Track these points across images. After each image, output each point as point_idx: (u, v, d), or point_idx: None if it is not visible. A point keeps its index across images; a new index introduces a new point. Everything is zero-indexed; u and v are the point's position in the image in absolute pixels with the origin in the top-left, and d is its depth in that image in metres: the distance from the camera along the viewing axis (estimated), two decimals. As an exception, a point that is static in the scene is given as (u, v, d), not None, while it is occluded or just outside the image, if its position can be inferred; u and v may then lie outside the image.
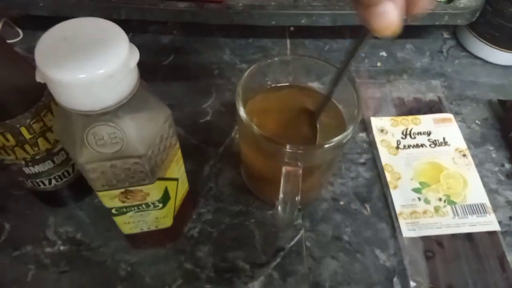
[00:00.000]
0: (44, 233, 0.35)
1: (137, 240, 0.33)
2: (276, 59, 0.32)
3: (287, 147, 0.28)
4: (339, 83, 0.28)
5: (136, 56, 0.20)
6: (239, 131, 0.34)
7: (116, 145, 0.22)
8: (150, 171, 0.24)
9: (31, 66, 0.27)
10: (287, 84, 0.35)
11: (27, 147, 0.29)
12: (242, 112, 0.29)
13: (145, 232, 0.31)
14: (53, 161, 0.31)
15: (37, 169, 0.31)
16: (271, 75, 0.34)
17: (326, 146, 0.29)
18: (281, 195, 0.28)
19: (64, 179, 0.33)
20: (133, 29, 0.50)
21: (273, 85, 0.35)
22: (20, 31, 0.50)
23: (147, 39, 0.50)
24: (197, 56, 0.49)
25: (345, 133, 0.28)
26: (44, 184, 0.33)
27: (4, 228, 0.36)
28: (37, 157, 0.30)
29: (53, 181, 0.33)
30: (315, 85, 0.35)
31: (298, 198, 0.28)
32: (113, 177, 0.24)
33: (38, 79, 0.19)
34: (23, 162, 0.30)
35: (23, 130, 0.27)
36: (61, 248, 0.35)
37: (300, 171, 0.29)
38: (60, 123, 0.23)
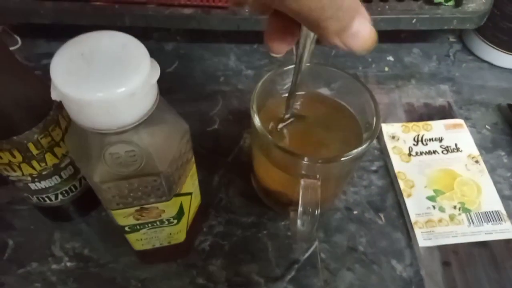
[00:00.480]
0: (50, 250, 0.34)
1: (148, 255, 0.32)
2: (290, 67, 0.31)
3: (305, 160, 0.27)
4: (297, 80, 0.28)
5: (157, 71, 0.19)
6: (252, 140, 0.33)
7: (135, 164, 0.21)
8: (168, 188, 0.23)
9: (38, 79, 0.26)
10: (301, 92, 0.34)
11: (34, 163, 0.28)
12: (257, 121, 0.29)
13: (157, 248, 0.30)
14: (60, 176, 0.30)
15: (43, 184, 0.30)
16: (284, 83, 0.33)
17: (345, 158, 0.28)
18: (300, 209, 0.27)
19: (71, 194, 0.32)
20: (135, 36, 0.48)
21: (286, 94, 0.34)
22: (18, 39, 0.48)
23: (150, 46, 0.48)
24: (202, 63, 0.48)
25: (364, 146, 0.28)
26: (51, 200, 0.31)
27: (7, 245, 0.34)
28: (44, 172, 0.29)
29: (60, 196, 0.32)
30: (324, 91, 0.34)
31: (318, 211, 0.27)
32: (129, 195, 0.23)
33: (54, 97, 0.18)
34: (29, 178, 0.29)
35: (31, 146, 0.26)
36: (68, 264, 0.33)
37: (319, 183, 0.28)
38: (73, 140, 0.22)
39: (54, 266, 0.33)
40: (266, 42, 0.22)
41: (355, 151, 0.28)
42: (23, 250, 0.34)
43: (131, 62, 0.18)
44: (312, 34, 0.22)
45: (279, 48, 0.22)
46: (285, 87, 0.33)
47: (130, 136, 0.20)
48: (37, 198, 0.31)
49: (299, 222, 0.28)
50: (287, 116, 0.31)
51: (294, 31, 0.21)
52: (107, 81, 0.17)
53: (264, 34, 0.22)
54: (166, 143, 0.22)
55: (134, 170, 0.21)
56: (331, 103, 0.34)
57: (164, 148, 0.22)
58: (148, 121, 0.20)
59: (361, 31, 0.19)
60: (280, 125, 0.32)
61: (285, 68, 0.31)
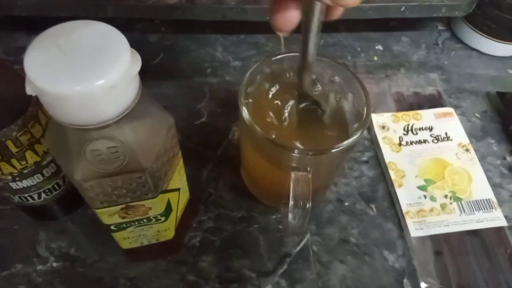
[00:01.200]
0: (35, 250, 0.33)
1: (136, 253, 0.31)
2: (278, 56, 0.31)
3: (296, 152, 0.27)
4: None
5: (138, 62, 0.18)
6: (241, 133, 0.32)
7: (118, 161, 0.20)
8: (154, 185, 0.22)
9: (15, 73, 0.25)
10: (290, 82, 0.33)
11: (14, 161, 0.26)
12: (245, 113, 0.28)
13: (145, 246, 0.30)
14: (42, 174, 0.29)
15: (25, 183, 0.29)
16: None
17: (335, 150, 0.27)
18: (291, 202, 0.27)
19: (55, 192, 0.31)
20: (118, 27, 0.47)
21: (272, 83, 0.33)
22: (-5, 32, 0.46)
23: (134, 37, 0.47)
24: (187, 54, 0.47)
25: (355, 136, 0.27)
26: (33, 199, 0.30)
27: (-10, 247, 0.33)
28: (25, 171, 0.28)
29: (43, 195, 0.30)
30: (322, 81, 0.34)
31: (309, 204, 0.27)
32: (113, 193, 0.22)
33: (29, 91, 0.17)
34: (9, 178, 0.28)
35: (10, 144, 0.25)
36: (54, 265, 0.32)
37: (310, 176, 0.27)
38: (52, 136, 0.21)
39: (39, 267, 0.32)
40: (270, 19, 0.22)
41: (346, 142, 0.27)
42: (6, 251, 0.33)
43: (110, 53, 0.17)
44: (316, 4, 0.21)
45: (283, 23, 0.21)
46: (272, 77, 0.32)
47: (112, 132, 0.19)
48: (19, 197, 0.30)
49: (290, 215, 0.27)
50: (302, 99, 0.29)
51: (294, 3, 0.21)
52: (85, 73, 0.16)
53: (268, 10, 0.22)
54: (150, 138, 0.21)
55: (117, 167, 0.20)
56: (321, 95, 0.33)
57: (148, 143, 0.21)
58: (130, 115, 0.19)
59: None
60: (289, 107, 0.30)
61: (273, 58, 0.30)
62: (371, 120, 0.41)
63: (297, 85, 0.28)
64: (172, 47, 0.47)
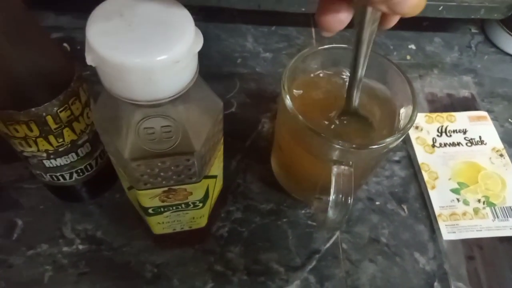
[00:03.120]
0: (60, 231, 0.33)
1: (165, 240, 0.31)
2: (321, 47, 0.30)
3: (339, 144, 0.26)
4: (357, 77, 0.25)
5: (200, 40, 0.18)
6: (278, 122, 0.32)
7: (170, 141, 0.19)
8: (199, 169, 0.22)
9: (60, 48, 0.24)
10: (332, 73, 0.32)
11: (51, 138, 0.26)
12: (288, 101, 0.27)
13: (174, 233, 0.29)
14: (77, 154, 0.28)
15: (59, 162, 0.28)
16: (316, 65, 0.31)
17: (378, 146, 0.26)
18: (332, 197, 0.26)
19: (86, 173, 0.30)
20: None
21: (317, 75, 0.32)
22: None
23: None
24: (218, 44, 0.46)
25: (400, 134, 0.26)
26: (64, 179, 0.30)
27: (16, 225, 0.33)
28: (60, 149, 0.27)
29: (75, 175, 0.30)
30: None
31: (351, 200, 0.26)
32: (159, 175, 0.21)
33: (89, 61, 0.16)
34: (44, 155, 0.27)
35: (49, 120, 0.25)
36: (80, 247, 0.32)
37: (352, 170, 0.26)
38: (102, 112, 0.20)
39: (65, 249, 0.32)
40: (317, 19, 0.20)
41: (389, 139, 0.26)
42: (32, 230, 0.33)
43: (175, 27, 0.16)
44: (370, 9, 0.20)
45: (333, 24, 0.20)
46: (315, 67, 0.32)
47: (167, 110, 0.18)
48: (51, 176, 0.29)
49: (330, 211, 0.26)
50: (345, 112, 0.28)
51: (346, 4, 0.20)
52: (149, 46, 0.16)
53: (316, 12, 0.20)
54: (202, 120, 0.20)
55: (168, 148, 0.19)
56: (367, 87, 0.32)
57: (199, 125, 0.20)
58: (186, 95, 0.18)
59: None
60: (333, 119, 0.29)
61: (320, 48, 0.30)
62: (403, 119, 0.41)
63: (346, 100, 0.27)
64: (202, 35, 0.46)
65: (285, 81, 0.28)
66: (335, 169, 0.26)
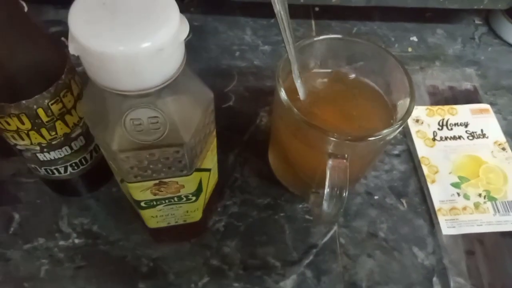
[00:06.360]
0: (57, 225, 0.33)
1: (161, 234, 0.30)
2: (320, 37, 0.29)
3: (334, 136, 0.26)
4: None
5: (186, 27, 0.17)
6: (275, 116, 0.31)
7: (157, 132, 0.19)
8: (189, 161, 0.21)
9: (50, 40, 0.24)
10: (327, 68, 0.32)
11: (43, 131, 0.26)
12: (283, 95, 0.27)
13: (171, 226, 0.29)
14: (70, 147, 0.28)
15: (52, 155, 0.28)
16: (311, 57, 0.31)
17: (374, 138, 0.26)
18: (327, 190, 0.25)
19: (81, 167, 0.30)
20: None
21: (312, 70, 0.32)
22: (25, 4, 0.46)
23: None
24: (216, 36, 0.46)
25: (396, 126, 0.26)
26: (59, 172, 0.30)
27: (13, 219, 0.33)
28: (53, 142, 0.27)
29: (69, 169, 0.30)
30: (348, 69, 0.32)
31: (346, 193, 0.25)
32: (149, 167, 0.21)
33: (72, 51, 0.16)
34: (37, 148, 0.27)
35: (40, 112, 0.24)
36: (76, 241, 0.32)
37: (347, 163, 0.26)
38: (89, 104, 0.20)
39: (61, 243, 0.32)
40: None
41: (385, 131, 0.26)
42: (29, 224, 0.33)
43: (159, 14, 0.16)
44: None
45: None
46: (311, 59, 0.31)
47: (154, 101, 0.18)
48: (45, 170, 0.29)
49: (325, 204, 0.26)
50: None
51: None
52: (133, 33, 0.15)
53: None
54: (191, 111, 0.20)
55: (156, 139, 0.19)
56: (359, 82, 0.32)
57: (188, 116, 0.20)
58: (173, 85, 0.18)
59: None
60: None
61: (315, 39, 0.29)
62: (404, 112, 0.40)
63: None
64: (201, 28, 0.46)
65: (279, 74, 0.27)
66: (330, 162, 0.26)
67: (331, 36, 0.30)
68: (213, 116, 0.23)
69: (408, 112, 0.27)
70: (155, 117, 0.18)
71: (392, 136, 0.27)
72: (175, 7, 0.17)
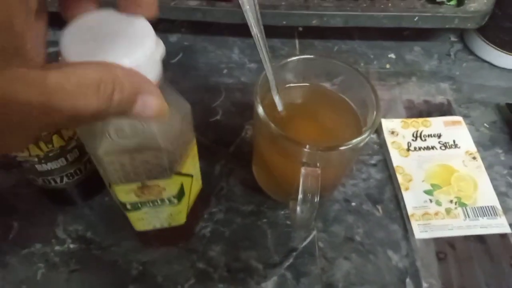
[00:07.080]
0: (53, 232, 0.35)
1: (149, 238, 0.33)
2: (294, 58, 0.32)
3: (306, 147, 0.28)
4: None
5: (161, 48, 0.20)
6: (255, 130, 0.34)
7: (137, 137, 0.21)
8: (169, 165, 0.24)
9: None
10: (303, 84, 0.35)
11: (41, 144, 0.28)
12: (261, 110, 0.29)
13: (158, 230, 0.31)
14: (66, 159, 0.31)
15: (50, 166, 0.30)
16: (289, 74, 0.33)
17: (344, 147, 0.28)
18: (300, 196, 0.28)
19: (76, 177, 0.33)
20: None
21: (289, 85, 0.35)
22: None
23: (156, 37, 0.50)
24: (205, 55, 0.49)
25: (364, 136, 0.28)
26: (56, 182, 0.32)
27: (12, 227, 0.35)
28: (50, 154, 0.29)
29: (65, 179, 0.32)
30: (326, 84, 0.35)
31: (317, 198, 0.28)
32: (131, 170, 0.23)
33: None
34: (36, 159, 0.29)
35: (39, 126, 0.27)
36: (71, 246, 0.34)
37: (319, 172, 0.28)
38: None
39: (57, 248, 0.34)
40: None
41: (354, 140, 0.29)
42: (27, 232, 0.35)
43: (136, 37, 0.19)
44: None
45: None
46: (287, 79, 0.34)
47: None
48: (43, 180, 0.32)
49: (298, 208, 0.28)
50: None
51: None
52: (113, 52, 0.18)
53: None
54: (168, 120, 0.23)
55: (136, 143, 0.22)
56: (333, 97, 0.34)
57: (166, 125, 0.22)
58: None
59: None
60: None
61: (288, 60, 0.32)
62: (380, 125, 0.43)
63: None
64: (190, 48, 0.49)
65: (257, 90, 0.30)
66: (303, 170, 0.28)
67: (305, 56, 0.33)
68: (191, 125, 0.25)
69: (375, 123, 0.29)
70: (135, 125, 0.21)
71: (361, 145, 0.30)
72: (150, 31, 0.19)
